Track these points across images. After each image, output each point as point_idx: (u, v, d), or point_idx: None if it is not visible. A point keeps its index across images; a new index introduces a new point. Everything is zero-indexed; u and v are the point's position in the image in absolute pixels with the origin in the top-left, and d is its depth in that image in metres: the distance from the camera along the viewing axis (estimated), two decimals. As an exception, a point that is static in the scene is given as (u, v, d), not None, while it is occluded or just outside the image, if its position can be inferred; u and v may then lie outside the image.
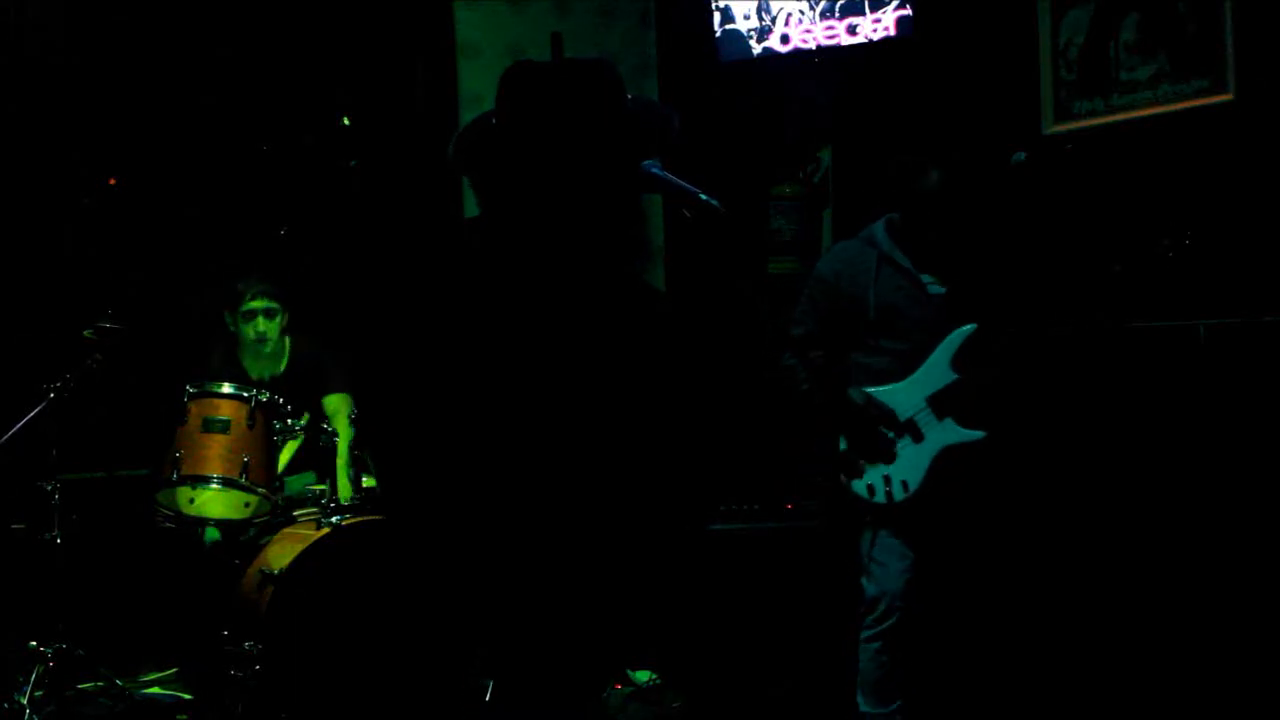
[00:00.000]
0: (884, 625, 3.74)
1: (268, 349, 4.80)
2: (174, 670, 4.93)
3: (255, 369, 4.84)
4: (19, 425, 4.35)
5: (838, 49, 5.31)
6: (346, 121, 5.51)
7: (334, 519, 4.26)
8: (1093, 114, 4.56)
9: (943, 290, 3.81)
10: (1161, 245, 3.89)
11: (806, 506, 4.60)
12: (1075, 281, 4.11)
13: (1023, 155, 4.44)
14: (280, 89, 5.63)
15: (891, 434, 3.73)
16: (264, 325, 4.76)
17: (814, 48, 5.38)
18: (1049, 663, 4.18)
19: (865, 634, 3.79)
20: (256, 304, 4.74)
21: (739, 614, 4.45)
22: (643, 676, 4.75)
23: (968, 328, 3.73)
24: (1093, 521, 4.28)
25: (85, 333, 4.46)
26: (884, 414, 3.73)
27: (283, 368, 4.87)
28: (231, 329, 4.82)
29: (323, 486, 4.56)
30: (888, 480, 3.73)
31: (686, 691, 4.58)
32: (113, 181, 5.37)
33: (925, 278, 3.81)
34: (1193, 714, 3.89)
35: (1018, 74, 4.72)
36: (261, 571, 4.20)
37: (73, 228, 5.35)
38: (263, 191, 5.55)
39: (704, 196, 2.86)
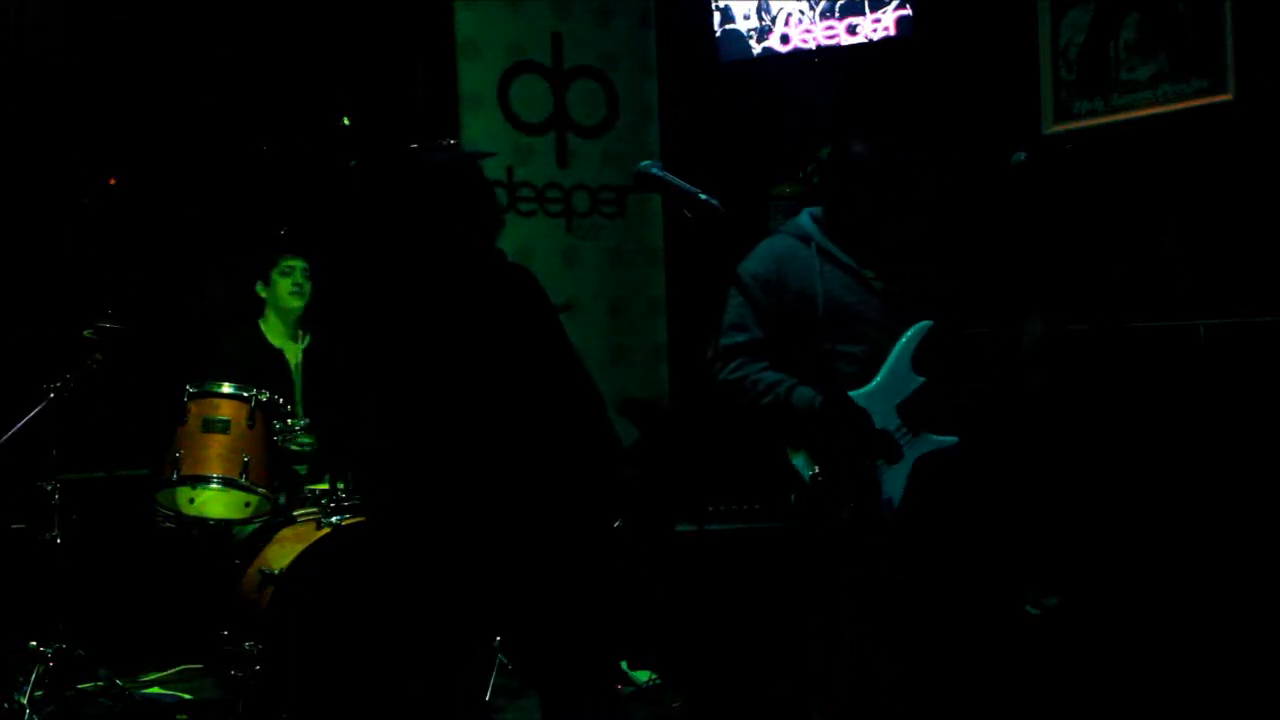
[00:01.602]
0: None
1: (300, 305, 4.92)
2: (174, 670, 4.94)
3: (279, 334, 4.93)
4: (19, 425, 4.35)
5: (838, 49, 5.32)
6: (346, 121, 5.51)
7: (334, 519, 4.26)
8: (1093, 114, 4.56)
9: (882, 285, 3.56)
10: (1164, 244, 3.87)
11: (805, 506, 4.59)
12: (1075, 281, 4.11)
13: (1023, 155, 4.42)
14: (280, 89, 5.63)
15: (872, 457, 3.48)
16: (302, 279, 4.92)
17: (814, 48, 5.39)
18: (1042, 666, 4.18)
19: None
20: (296, 261, 4.93)
21: (739, 614, 4.45)
22: (643, 676, 4.75)
23: (923, 325, 3.52)
24: (1089, 523, 4.28)
25: (85, 333, 4.46)
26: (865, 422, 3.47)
27: (306, 344, 4.99)
28: (264, 294, 4.96)
29: (324, 485, 4.56)
30: (867, 502, 3.48)
31: (686, 691, 4.58)
32: (113, 181, 5.37)
33: (868, 273, 3.57)
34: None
35: (1018, 74, 4.73)
36: (261, 571, 4.20)
37: (73, 228, 5.34)
38: (263, 191, 5.55)
39: (704, 196, 2.88)
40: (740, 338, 3.52)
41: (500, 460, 3.05)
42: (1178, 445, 4.09)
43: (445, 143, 3.30)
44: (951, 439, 3.53)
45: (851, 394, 3.48)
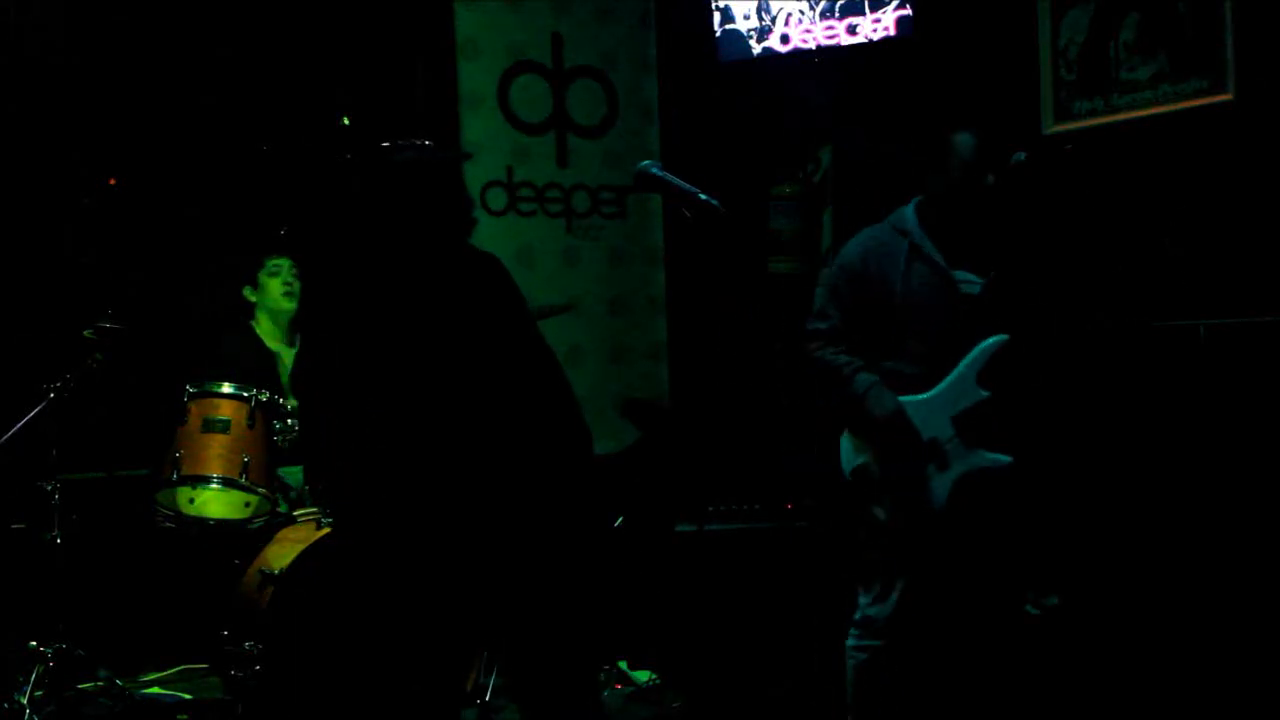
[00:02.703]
0: (866, 642, 3.59)
1: (293, 306, 4.87)
2: (174, 670, 4.94)
3: (274, 337, 4.89)
4: (19, 425, 4.35)
5: (838, 49, 5.32)
6: (346, 121, 5.51)
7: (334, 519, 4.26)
8: (1093, 114, 4.56)
9: (976, 290, 3.51)
10: (1164, 244, 3.87)
11: (806, 506, 4.60)
12: (1076, 282, 4.11)
13: (1023, 155, 4.41)
14: (280, 89, 5.63)
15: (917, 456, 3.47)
16: (291, 278, 4.86)
17: (814, 48, 5.39)
18: (1042, 666, 4.18)
19: (849, 644, 3.64)
20: (282, 260, 4.87)
21: (739, 614, 4.45)
22: (643, 676, 4.75)
23: (997, 339, 3.46)
24: (1090, 522, 4.27)
25: (85, 333, 4.46)
26: (910, 431, 3.46)
27: (299, 344, 4.93)
28: (252, 298, 4.89)
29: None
30: (908, 503, 3.48)
31: (686, 691, 4.58)
32: (113, 181, 5.37)
33: (959, 274, 3.52)
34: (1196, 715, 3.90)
35: (1018, 74, 4.73)
36: (261, 571, 4.20)
37: (73, 228, 5.34)
38: (263, 192, 5.55)
39: (704, 196, 2.89)
40: (821, 324, 3.63)
41: (472, 456, 3.04)
42: (1178, 445, 4.09)
43: (417, 142, 3.28)
44: (1004, 459, 3.47)
45: (908, 398, 3.46)
